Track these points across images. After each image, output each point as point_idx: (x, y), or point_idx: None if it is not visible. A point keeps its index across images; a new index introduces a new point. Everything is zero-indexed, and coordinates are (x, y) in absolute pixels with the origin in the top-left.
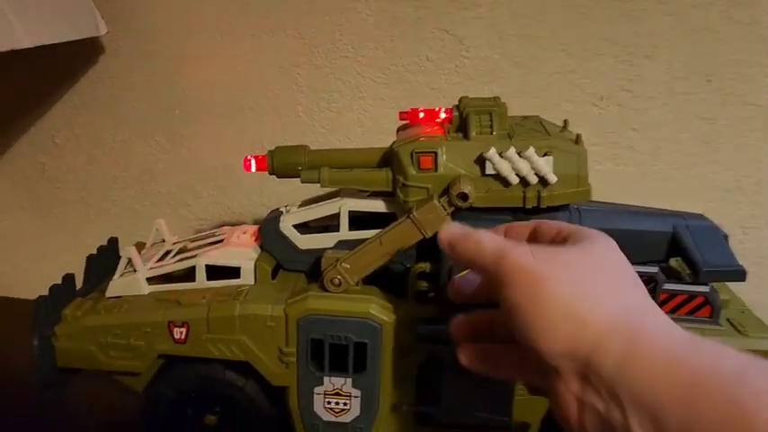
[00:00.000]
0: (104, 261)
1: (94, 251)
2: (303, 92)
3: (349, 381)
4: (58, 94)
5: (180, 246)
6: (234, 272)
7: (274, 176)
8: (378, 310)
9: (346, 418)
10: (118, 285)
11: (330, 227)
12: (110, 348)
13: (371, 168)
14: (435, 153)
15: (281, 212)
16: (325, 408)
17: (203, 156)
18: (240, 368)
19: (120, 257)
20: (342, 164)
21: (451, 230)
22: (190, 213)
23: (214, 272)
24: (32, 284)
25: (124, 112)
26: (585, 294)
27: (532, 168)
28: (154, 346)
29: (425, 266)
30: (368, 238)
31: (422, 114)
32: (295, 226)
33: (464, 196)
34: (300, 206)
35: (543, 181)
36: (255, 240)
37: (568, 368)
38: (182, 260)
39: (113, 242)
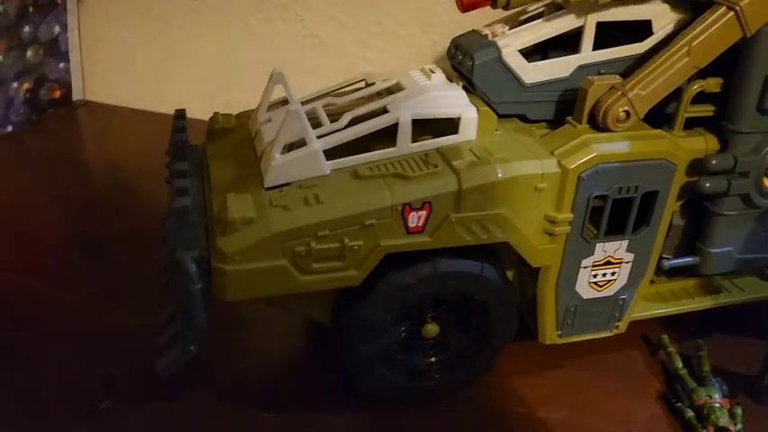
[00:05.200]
0: (185, 142)
1: (207, 69)
2: None
3: (624, 244)
4: None
5: (321, 104)
6: (443, 126)
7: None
8: (674, 146)
9: (610, 291)
10: (283, 168)
11: (545, 50)
12: (312, 259)
13: None
14: None
15: (486, 35)
16: (589, 283)
17: None
18: (471, 254)
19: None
20: None
21: None
22: (304, 29)
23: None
24: (150, 97)
25: None
26: None
27: None
28: (379, 243)
29: (705, 85)
30: (618, 60)
31: None
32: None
33: None
34: (510, 25)
35: None
36: (451, 80)
37: None
38: (356, 119)
39: (181, 117)
